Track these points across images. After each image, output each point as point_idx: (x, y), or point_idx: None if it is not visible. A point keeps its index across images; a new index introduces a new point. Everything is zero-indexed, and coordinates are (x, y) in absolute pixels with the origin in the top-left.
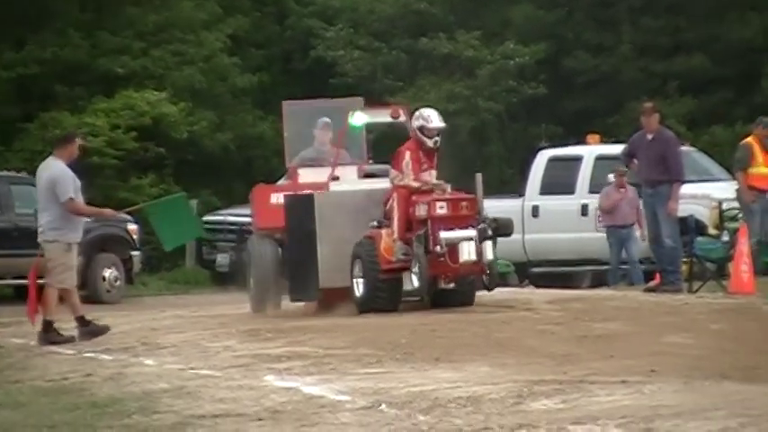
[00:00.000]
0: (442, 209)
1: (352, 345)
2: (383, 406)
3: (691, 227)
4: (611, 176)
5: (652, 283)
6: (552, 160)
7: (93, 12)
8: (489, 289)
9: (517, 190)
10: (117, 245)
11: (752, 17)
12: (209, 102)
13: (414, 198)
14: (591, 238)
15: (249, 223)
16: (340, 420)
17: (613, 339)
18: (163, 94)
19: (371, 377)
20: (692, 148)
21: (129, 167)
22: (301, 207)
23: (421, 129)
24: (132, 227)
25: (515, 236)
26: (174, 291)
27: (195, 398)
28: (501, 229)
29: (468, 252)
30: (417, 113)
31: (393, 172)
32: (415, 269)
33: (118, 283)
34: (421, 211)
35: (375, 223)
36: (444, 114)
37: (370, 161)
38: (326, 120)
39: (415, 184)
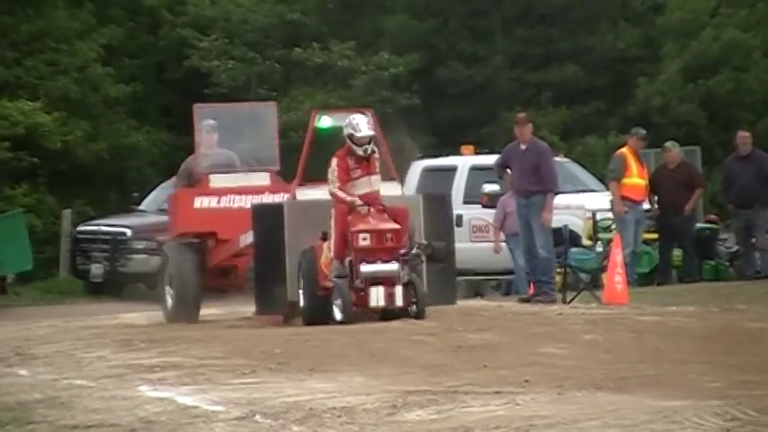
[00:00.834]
0: (365, 240)
1: (226, 355)
2: (257, 416)
3: (565, 237)
4: (485, 187)
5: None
6: (426, 171)
7: None
8: (417, 318)
9: None
10: None
11: (624, 28)
12: (83, 112)
13: (349, 218)
14: (464, 249)
15: (123, 233)
16: (214, 431)
17: (488, 350)
18: (37, 103)
19: (246, 387)
20: (565, 159)
21: (2, 177)
22: (269, 216)
23: (350, 137)
24: None
25: None
26: (47, 301)
27: (69, 408)
28: (435, 255)
29: (376, 299)
30: (347, 120)
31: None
32: (337, 302)
33: None
34: (347, 237)
35: (321, 234)
36: None
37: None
38: (212, 122)
39: (340, 194)
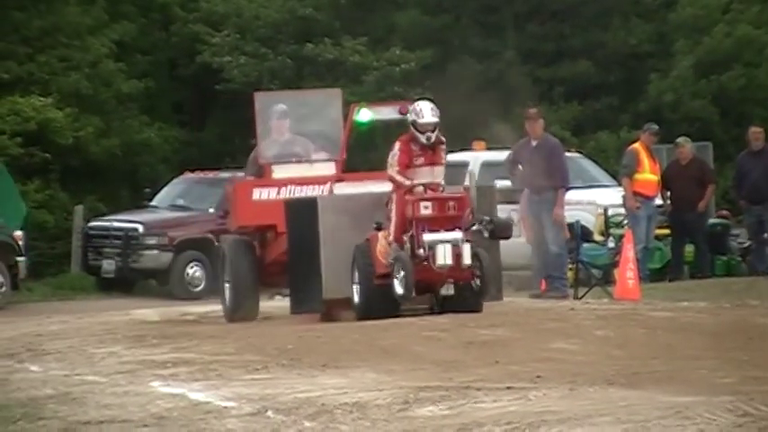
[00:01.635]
0: (426, 209)
1: (238, 351)
2: (269, 412)
3: (576, 233)
4: (497, 183)
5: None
6: None
7: None
8: (481, 296)
9: None
10: (2, 251)
11: (636, 24)
12: (95, 107)
13: (407, 197)
14: None
15: (135, 229)
16: (226, 427)
17: (499, 345)
18: (48, 99)
19: (258, 383)
20: (577, 154)
21: (14, 173)
22: (303, 212)
23: (413, 123)
24: (18, 233)
25: None
26: (59, 297)
27: (80, 404)
28: (498, 231)
29: (443, 256)
30: (412, 107)
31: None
32: (399, 274)
33: (3, 289)
34: (408, 211)
35: (375, 225)
36: None
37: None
38: (283, 107)
39: (398, 177)
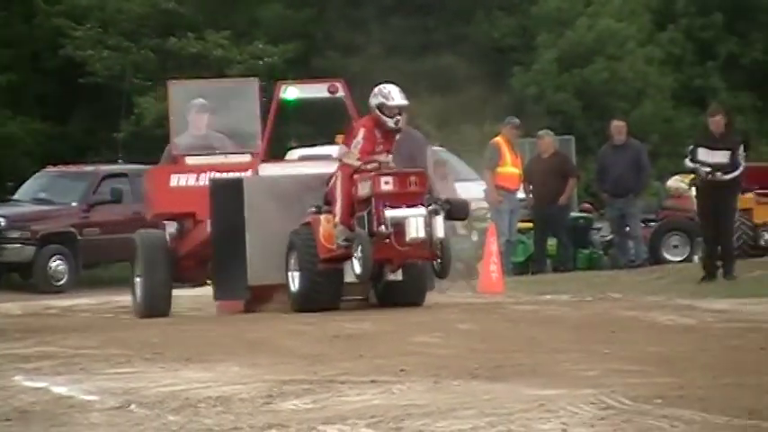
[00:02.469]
0: (387, 184)
1: (101, 344)
2: (133, 406)
3: None
4: None
5: None
6: (303, 160)
7: None
8: (441, 276)
9: None
10: None
11: (499, 17)
12: None
13: (356, 177)
14: None
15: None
16: (89, 420)
17: (364, 339)
18: None
19: (121, 377)
20: (440, 148)
21: None
22: (228, 193)
23: (380, 107)
24: None
25: None
26: None
27: None
28: (454, 211)
29: (416, 228)
30: (376, 89)
31: (343, 148)
32: (358, 253)
33: None
34: (365, 188)
35: (313, 209)
36: None
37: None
38: (202, 101)
39: (357, 164)
